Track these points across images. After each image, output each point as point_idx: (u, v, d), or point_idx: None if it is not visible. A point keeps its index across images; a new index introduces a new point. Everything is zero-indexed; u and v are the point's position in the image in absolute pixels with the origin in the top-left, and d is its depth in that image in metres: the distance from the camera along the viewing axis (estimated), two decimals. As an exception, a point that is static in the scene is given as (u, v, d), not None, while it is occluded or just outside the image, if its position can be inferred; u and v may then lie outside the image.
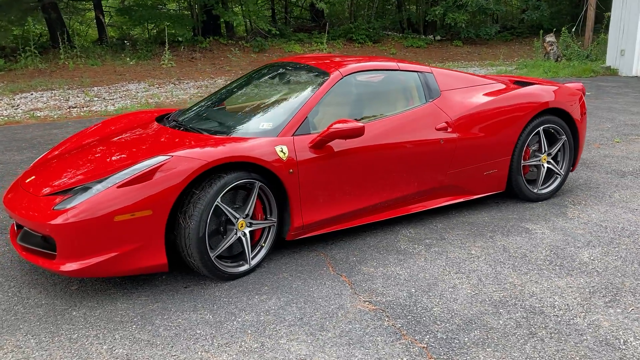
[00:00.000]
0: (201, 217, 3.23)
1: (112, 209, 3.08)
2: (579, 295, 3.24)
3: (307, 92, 3.94)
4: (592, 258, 3.70)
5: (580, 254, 3.76)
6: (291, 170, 3.54)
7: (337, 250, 3.87)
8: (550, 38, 15.34)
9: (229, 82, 12.33)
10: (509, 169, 4.52)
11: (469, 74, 4.78)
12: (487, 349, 2.76)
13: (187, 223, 3.23)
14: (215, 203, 3.28)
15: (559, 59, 15.01)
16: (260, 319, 3.04)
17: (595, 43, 15.84)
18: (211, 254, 3.32)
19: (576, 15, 20.00)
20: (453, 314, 3.06)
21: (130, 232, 3.12)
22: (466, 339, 2.84)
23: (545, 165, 4.71)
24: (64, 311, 3.13)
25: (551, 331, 2.89)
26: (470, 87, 4.53)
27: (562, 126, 4.67)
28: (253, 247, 3.58)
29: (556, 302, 3.16)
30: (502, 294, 3.26)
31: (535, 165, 4.73)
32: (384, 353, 2.73)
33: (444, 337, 2.85)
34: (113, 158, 3.62)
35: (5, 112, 9.33)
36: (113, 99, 10.58)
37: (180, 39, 16.18)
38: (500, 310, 3.09)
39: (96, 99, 10.65)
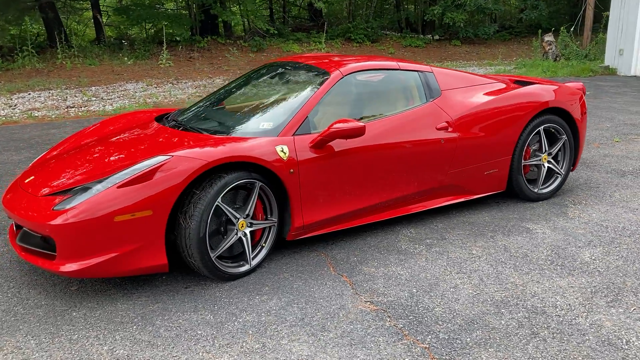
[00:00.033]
0: (202, 217, 3.21)
1: (112, 209, 3.06)
2: (580, 295, 3.23)
3: (308, 92, 3.93)
4: (593, 258, 3.70)
5: (582, 254, 3.75)
6: (292, 170, 3.52)
7: (338, 250, 3.86)
8: (548, 37, 15.35)
9: (228, 82, 12.33)
10: (510, 168, 4.51)
11: (469, 73, 4.77)
12: (490, 349, 2.75)
13: (188, 223, 3.22)
14: (216, 203, 3.26)
15: (557, 59, 15.01)
16: (262, 319, 3.03)
17: (593, 42, 15.86)
18: (212, 255, 3.31)
19: (574, 14, 20.02)
20: (455, 314, 3.05)
21: (130, 232, 3.10)
22: (468, 339, 2.83)
23: (546, 164, 4.70)
24: (64, 312, 3.11)
25: (553, 331, 2.88)
26: (471, 86, 4.52)
27: (562, 126, 4.67)
28: (253, 247, 3.57)
29: (558, 302, 3.16)
30: (503, 294, 3.25)
31: (535, 165, 4.72)
32: (386, 353, 2.72)
33: (446, 338, 2.84)
34: (112, 158, 3.60)
35: (2, 112, 9.29)
36: (111, 99, 10.55)
37: (178, 38, 16.15)
38: (502, 310, 3.08)
39: (94, 98, 10.62)
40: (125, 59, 14.85)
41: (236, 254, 3.53)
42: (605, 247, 3.85)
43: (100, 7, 17.57)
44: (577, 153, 4.88)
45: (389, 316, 3.04)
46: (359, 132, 3.61)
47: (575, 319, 2.99)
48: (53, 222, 3.06)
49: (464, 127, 4.25)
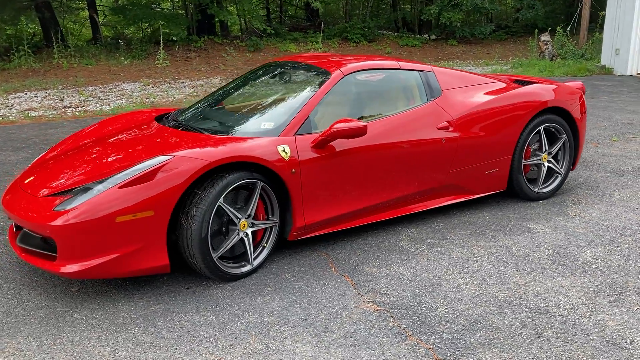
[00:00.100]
0: (203, 218, 3.20)
1: (113, 209, 3.04)
2: (583, 295, 3.23)
3: (309, 92, 3.92)
4: (595, 257, 3.70)
5: (583, 253, 3.75)
6: (293, 170, 3.51)
7: (339, 250, 3.85)
8: (545, 37, 15.37)
9: (227, 82, 12.31)
10: (510, 168, 4.51)
11: (470, 72, 4.77)
12: (494, 350, 2.74)
13: (189, 224, 3.20)
14: (218, 203, 3.25)
15: (554, 58, 15.04)
16: (264, 320, 3.02)
17: (590, 42, 15.89)
18: (213, 255, 3.29)
19: (570, 14, 20.06)
20: (458, 314, 3.05)
21: (131, 233, 3.09)
22: (472, 339, 2.83)
23: (546, 164, 4.70)
24: (65, 313, 3.09)
25: (557, 331, 2.88)
26: (471, 86, 4.51)
27: (562, 125, 4.67)
28: (255, 247, 3.55)
29: (561, 302, 3.15)
30: (506, 294, 3.25)
31: (536, 165, 4.72)
32: (390, 354, 2.71)
33: (450, 338, 2.84)
34: (113, 158, 3.58)
35: (-1, 112, 9.25)
36: (108, 99, 10.51)
37: (174, 38, 16.10)
38: (505, 310, 3.08)
39: (91, 98, 10.58)
40: (122, 58, 14.80)
41: (237, 255, 3.52)
42: (607, 247, 3.85)
43: (97, 6, 17.50)
44: (577, 152, 4.88)
45: (392, 316, 3.03)
46: (360, 131, 3.60)
47: (578, 318, 2.99)
48: (54, 223, 3.04)
49: (465, 127, 4.25)
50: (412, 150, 4.03)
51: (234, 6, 18.28)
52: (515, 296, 3.22)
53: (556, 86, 4.78)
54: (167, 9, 19.34)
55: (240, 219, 3.40)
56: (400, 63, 4.36)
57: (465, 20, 20.77)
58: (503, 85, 4.70)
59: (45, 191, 3.34)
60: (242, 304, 3.18)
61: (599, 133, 7.20)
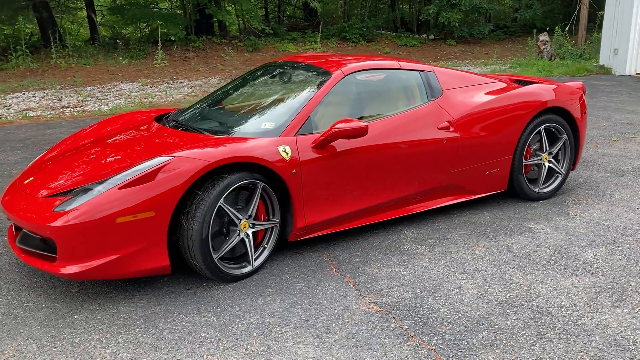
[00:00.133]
0: (204, 219, 3.18)
1: (113, 210, 3.03)
2: (585, 295, 3.22)
3: (309, 92, 3.90)
4: (596, 257, 3.69)
5: (585, 254, 3.75)
6: (294, 171, 3.50)
7: (340, 251, 3.84)
8: (543, 37, 15.38)
9: (226, 82, 12.29)
10: (511, 168, 4.50)
11: (470, 72, 4.76)
12: (496, 350, 2.73)
13: (190, 224, 3.18)
14: (219, 204, 3.23)
15: (552, 58, 15.04)
16: (265, 321, 3.00)
17: (588, 42, 15.90)
18: (214, 256, 3.28)
19: (568, 14, 20.08)
20: (460, 315, 3.04)
21: (132, 234, 3.07)
22: (474, 340, 2.82)
23: (547, 164, 4.69)
24: (65, 314, 3.08)
25: (559, 332, 2.87)
26: (472, 86, 4.51)
27: (563, 125, 4.66)
28: (256, 248, 3.54)
29: (563, 303, 3.14)
30: (508, 295, 3.24)
31: (536, 165, 4.72)
32: (392, 355, 2.70)
33: (452, 339, 2.83)
34: (113, 159, 3.56)
35: (-3, 112, 9.23)
36: (106, 99, 10.48)
37: (173, 38, 16.06)
38: (507, 311, 3.07)
39: (89, 98, 10.55)
40: (120, 58, 14.77)
41: (238, 255, 3.51)
42: (608, 247, 3.84)
43: (95, 6, 17.47)
44: (577, 152, 4.87)
45: (393, 317, 3.02)
46: (361, 132, 3.59)
47: (580, 319, 2.98)
48: (54, 224, 3.02)
49: (466, 127, 4.24)
50: (413, 151, 4.01)
51: (232, 6, 18.26)
52: (517, 297, 3.22)
53: (556, 86, 4.77)
54: (165, 8, 19.31)
55: (241, 220, 3.39)
56: (400, 63, 4.34)
57: (463, 20, 20.77)
58: (503, 85, 4.69)
59: (45, 192, 3.33)
60: (243, 305, 3.17)
61: (599, 133, 7.20)
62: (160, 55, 14.48)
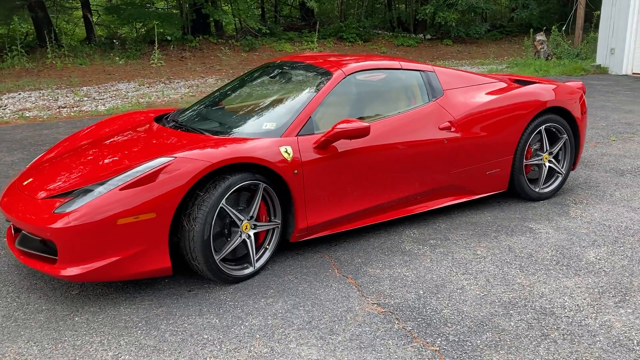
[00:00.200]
0: (206, 220, 3.16)
1: (114, 211, 3.00)
2: (588, 296, 3.21)
3: (310, 92, 3.89)
4: (598, 257, 3.69)
5: (586, 254, 3.74)
6: (296, 171, 3.48)
7: (342, 251, 3.82)
8: (540, 37, 15.40)
9: (223, 82, 12.26)
10: (512, 168, 4.50)
11: (471, 72, 4.75)
12: (500, 352, 2.72)
13: (192, 226, 3.16)
14: (220, 205, 3.21)
15: (549, 58, 15.07)
16: (268, 322, 2.98)
17: (585, 42, 15.93)
18: (216, 257, 3.25)
19: (564, 14, 20.12)
20: (463, 315, 3.02)
21: (133, 235, 3.05)
22: (478, 341, 2.80)
23: (547, 164, 4.69)
24: (65, 317, 3.05)
25: (563, 332, 2.86)
26: (472, 86, 4.50)
27: (563, 125, 4.66)
28: (257, 249, 3.52)
29: (566, 303, 3.14)
30: (511, 295, 3.23)
31: (536, 165, 4.71)
32: (396, 357, 2.69)
33: (456, 340, 2.81)
34: (113, 160, 3.53)
35: (-7, 112, 9.18)
36: (103, 99, 10.44)
37: (169, 38, 16.02)
38: (511, 312, 3.06)
39: (86, 98, 10.51)
40: (117, 58, 14.72)
41: (239, 257, 3.49)
42: (610, 247, 3.84)
43: (91, 6, 17.40)
44: (578, 152, 4.87)
45: (397, 318, 3.01)
46: (363, 132, 3.58)
47: (584, 319, 2.97)
48: (54, 226, 3.00)
49: (467, 127, 4.23)
50: (414, 151, 4.00)
51: (229, 5, 18.22)
52: (520, 297, 3.21)
53: (557, 86, 4.77)
54: (162, 8, 19.27)
55: (242, 221, 3.37)
56: (401, 63, 4.33)
57: (460, 20, 20.79)
58: (504, 85, 4.69)
59: (44, 193, 3.30)
60: (245, 306, 3.15)
61: (597, 133, 7.21)
62: (156, 55, 14.44)
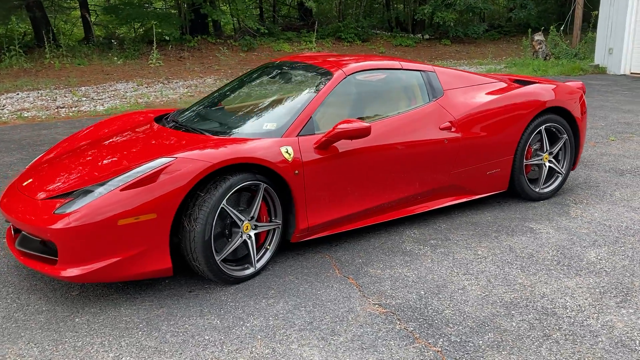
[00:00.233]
0: (207, 220, 3.15)
1: (115, 212, 2.99)
2: (589, 296, 3.21)
3: (311, 92, 3.88)
4: (599, 258, 3.68)
5: (587, 254, 3.74)
6: (297, 172, 3.47)
7: (342, 252, 3.81)
8: (538, 37, 15.42)
9: (222, 82, 12.24)
10: (512, 168, 4.49)
11: (471, 72, 4.75)
12: (503, 352, 2.71)
13: (193, 226, 3.15)
14: (221, 206, 3.20)
15: (547, 58, 15.08)
16: (269, 323, 2.97)
17: (583, 41, 15.96)
18: (217, 258, 3.24)
19: (562, 14, 20.15)
20: (465, 316, 3.02)
21: (134, 236, 3.04)
22: (480, 341, 2.80)
23: (547, 164, 4.69)
24: (66, 318, 3.04)
25: (565, 333, 2.86)
26: (473, 86, 4.49)
27: (563, 125, 4.66)
28: (258, 250, 3.51)
29: (568, 303, 3.13)
30: (512, 295, 3.23)
31: (537, 165, 4.71)
32: (398, 358, 2.68)
33: (458, 341, 2.81)
34: (113, 160, 3.52)
35: (-9, 112, 9.15)
36: (102, 99, 10.43)
37: (167, 38, 16.01)
38: (512, 312, 3.05)
39: (84, 99, 10.49)
40: (115, 58, 14.70)
41: (240, 257, 3.48)
42: (610, 247, 3.84)
43: (89, 6, 17.37)
44: (578, 152, 4.87)
45: (398, 319, 3.00)
46: (364, 132, 3.57)
47: (586, 320, 2.97)
48: (54, 226, 2.98)
49: (467, 127, 4.22)
50: (415, 151, 4.00)
51: (227, 5, 18.21)
52: (521, 297, 3.20)
53: (557, 86, 4.77)
54: (160, 8, 19.24)
55: (243, 221, 3.36)
56: (402, 63, 4.32)
57: (458, 20, 20.80)
58: (504, 85, 4.68)
59: (45, 194, 3.28)
60: (246, 307, 3.14)
61: (596, 132, 7.21)
62: (155, 55, 14.42)
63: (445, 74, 4.43)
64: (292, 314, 3.06)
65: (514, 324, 2.94)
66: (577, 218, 4.35)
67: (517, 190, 4.61)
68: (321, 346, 2.77)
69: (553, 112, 4.61)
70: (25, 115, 8.92)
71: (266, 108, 4.02)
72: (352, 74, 4.01)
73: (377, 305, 3.14)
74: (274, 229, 3.57)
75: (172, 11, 18.52)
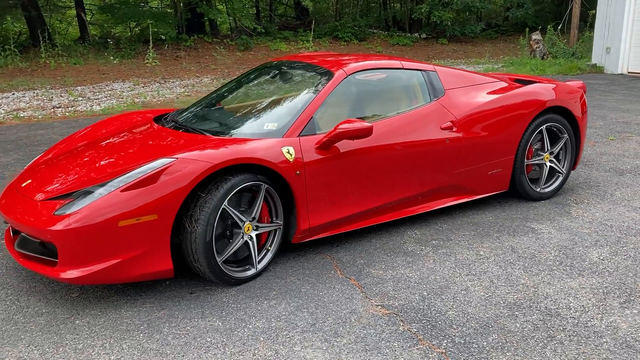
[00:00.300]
0: (208, 221, 3.12)
1: (116, 213, 2.96)
2: (593, 297, 3.19)
3: (312, 92, 3.85)
4: (601, 258, 3.67)
5: (590, 254, 3.73)
6: (298, 172, 3.45)
7: (344, 252, 3.79)
8: (536, 36, 15.43)
9: (219, 81, 12.20)
10: (513, 168, 4.48)
11: (471, 72, 4.73)
12: (507, 353, 2.70)
13: (194, 227, 3.13)
14: (222, 206, 3.18)
15: (545, 57, 15.09)
16: (272, 325, 2.95)
17: (580, 41, 15.97)
18: (218, 259, 3.22)
19: (559, 13, 20.18)
20: (469, 317, 3.00)
21: (134, 237, 3.01)
22: (484, 343, 2.78)
23: (548, 164, 4.67)
24: (66, 320, 3.01)
25: (570, 334, 2.84)
26: (473, 85, 4.47)
27: (564, 124, 4.65)
28: (259, 250, 3.48)
29: (571, 304, 3.12)
30: (515, 296, 3.21)
31: (537, 164, 4.69)
32: (402, 359, 2.66)
33: (462, 342, 2.79)
34: (113, 160, 3.49)
35: (-13, 112, 9.09)
36: (98, 99, 10.37)
37: (163, 37, 15.95)
38: (516, 313, 3.04)
39: (80, 98, 10.44)
40: (111, 58, 14.64)
41: (241, 258, 3.45)
42: (613, 247, 3.83)
43: (84, 5, 17.30)
44: (578, 152, 4.86)
45: (401, 320, 2.98)
46: (366, 132, 3.54)
47: (590, 320, 2.96)
48: (54, 228, 2.95)
49: (469, 127, 4.21)
50: (416, 151, 3.98)
51: (224, 5, 18.16)
52: (524, 298, 3.19)
53: (557, 85, 4.75)
54: (156, 7, 19.17)
55: (244, 222, 3.34)
56: (402, 62, 4.30)
57: (455, 19, 20.81)
58: (505, 84, 4.67)
59: (44, 195, 3.25)
60: (248, 308, 3.11)
61: (595, 132, 7.21)
62: (151, 54, 14.37)
63: (446, 73, 4.41)
64: (294, 315, 3.04)
65: (518, 325, 2.92)
66: (579, 218, 4.34)
67: (518, 190, 4.60)
68: (324, 348, 2.75)
69: (554, 111, 4.60)
70: (22, 115, 8.86)
71: (267, 108, 3.99)
72: (353, 73, 3.99)
73: (379, 307, 3.12)
74: (275, 230, 3.54)
75: (168, 10, 18.45)
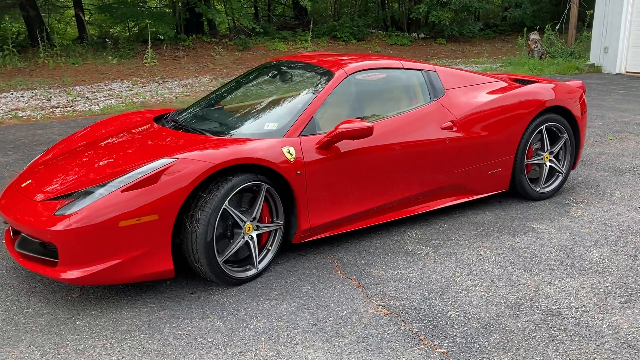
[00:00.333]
0: (209, 221, 3.12)
1: (116, 213, 2.96)
2: (594, 296, 3.20)
3: (312, 92, 3.85)
4: (602, 257, 3.67)
5: (590, 254, 3.73)
6: (299, 172, 3.44)
7: (344, 252, 3.79)
8: (534, 36, 15.45)
9: (218, 81, 12.19)
10: (513, 167, 4.48)
11: (471, 72, 4.73)
12: (509, 353, 2.70)
13: (195, 227, 3.12)
14: (223, 206, 3.17)
15: (543, 57, 15.11)
16: (273, 325, 2.95)
17: (578, 40, 15.99)
18: (219, 259, 3.21)
19: (557, 13, 20.19)
20: (470, 317, 3.00)
21: (135, 237, 3.00)
22: (486, 343, 2.78)
23: (548, 163, 4.68)
24: (67, 320, 3.00)
25: (571, 333, 2.84)
26: (473, 85, 4.48)
27: (563, 124, 4.65)
28: (260, 250, 3.48)
29: (572, 304, 3.12)
30: (516, 296, 3.21)
31: (537, 164, 4.70)
32: (404, 359, 2.66)
33: (464, 342, 2.79)
34: (114, 161, 3.48)
35: (-14, 112, 9.07)
36: (97, 99, 10.36)
37: (162, 37, 15.93)
38: (517, 313, 3.04)
39: (79, 98, 10.42)
40: (110, 57, 14.62)
41: (242, 258, 3.45)
42: (613, 247, 3.83)
43: (83, 5, 17.27)
44: (578, 152, 4.86)
45: (403, 320, 2.98)
46: (366, 132, 3.54)
47: (591, 320, 2.96)
48: (55, 228, 2.94)
49: (469, 127, 4.21)
50: (416, 151, 3.98)
51: (222, 4, 18.15)
52: (525, 298, 3.19)
53: (557, 85, 4.76)
54: (154, 7, 19.15)
55: (245, 222, 3.33)
56: (403, 62, 4.30)
57: (453, 19, 20.81)
58: (504, 84, 4.67)
59: (44, 195, 3.24)
60: (249, 309, 3.11)
61: (594, 132, 7.22)
62: (150, 54, 14.35)
63: (446, 73, 4.41)
64: (295, 315, 3.04)
65: (519, 325, 2.92)
66: (579, 218, 4.34)
67: (518, 189, 4.60)
68: (326, 348, 2.75)
69: (553, 111, 4.60)
70: (20, 115, 8.85)
71: (267, 108, 3.99)
72: (353, 73, 3.99)
73: (381, 307, 3.11)
74: (276, 230, 3.54)
75: (167, 10, 18.43)
